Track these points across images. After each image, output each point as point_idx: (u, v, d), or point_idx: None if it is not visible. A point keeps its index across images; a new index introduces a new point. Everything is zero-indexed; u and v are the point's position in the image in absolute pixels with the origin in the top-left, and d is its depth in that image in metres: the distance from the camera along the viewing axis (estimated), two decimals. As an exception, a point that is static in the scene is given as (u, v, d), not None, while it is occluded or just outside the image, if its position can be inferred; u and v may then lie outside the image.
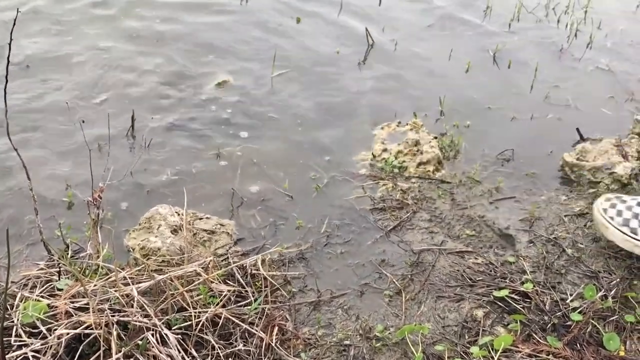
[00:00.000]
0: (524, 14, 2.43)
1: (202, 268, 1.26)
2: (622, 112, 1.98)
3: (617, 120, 1.94)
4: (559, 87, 2.07)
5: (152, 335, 1.13)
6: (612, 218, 1.44)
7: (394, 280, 1.41)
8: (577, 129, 1.86)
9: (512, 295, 1.37)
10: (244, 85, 1.97)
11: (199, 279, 1.25)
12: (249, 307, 1.26)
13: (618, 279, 1.43)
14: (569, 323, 1.31)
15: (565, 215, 1.61)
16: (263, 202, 1.59)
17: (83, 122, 1.69)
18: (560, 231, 1.56)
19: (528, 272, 1.43)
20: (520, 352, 1.25)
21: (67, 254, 1.39)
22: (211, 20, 2.28)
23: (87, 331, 1.12)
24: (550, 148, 1.82)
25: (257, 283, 1.34)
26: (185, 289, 1.21)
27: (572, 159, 1.73)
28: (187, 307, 1.19)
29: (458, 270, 1.44)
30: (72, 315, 1.14)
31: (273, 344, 1.21)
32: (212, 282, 1.26)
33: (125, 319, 1.14)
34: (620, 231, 1.43)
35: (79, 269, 1.32)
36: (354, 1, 2.44)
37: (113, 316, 1.13)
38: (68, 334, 1.11)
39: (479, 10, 2.44)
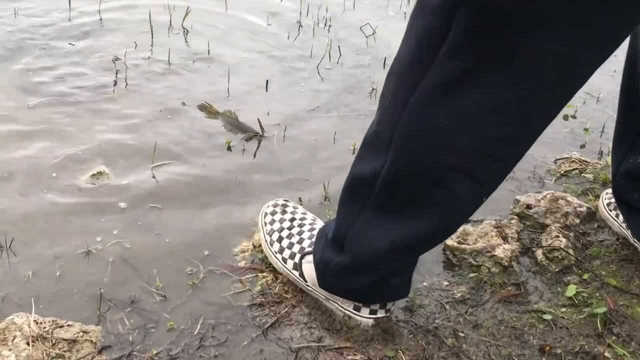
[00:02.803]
0: (409, 95, 2.46)
1: (52, 388, 1.16)
2: (502, 192, 1.99)
3: (498, 200, 1.95)
4: (442, 168, 2.08)
5: None
6: None
7: (270, 383, 1.34)
8: (459, 211, 1.86)
9: (391, 394, 1.32)
10: (120, 176, 1.89)
11: (50, 399, 1.15)
12: None
13: (498, 369, 1.40)
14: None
15: (446, 302, 1.58)
16: (133, 303, 1.50)
17: None
18: (441, 319, 1.53)
19: (407, 367, 1.39)
20: None
21: None
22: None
23: None
24: (433, 231, 1.81)
25: (119, 397, 1.25)
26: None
27: (453, 243, 1.72)
28: None
29: (336, 369, 1.39)
30: None
31: None
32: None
33: None
34: None
35: None
36: (240, 87, 2.42)
37: None
38: None
39: (364, 92, 2.46)
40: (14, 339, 1.33)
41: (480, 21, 1.07)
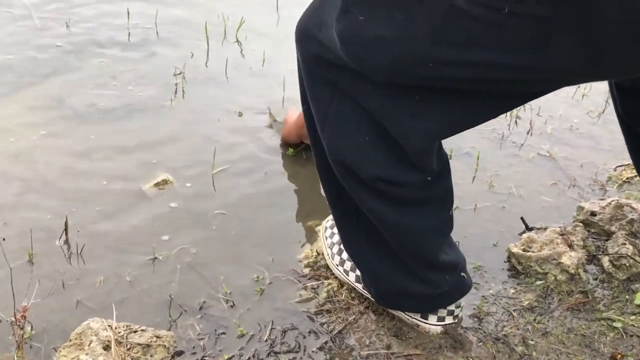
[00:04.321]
0: (464, 102, 2.46)
1: (134, 391, 1.18)
2: (565, 199, 1.98)
3: (560, 208, 1.94)
4: (500, 175, 2.07)
5: None
6: None
7: (341, 389, 1.35)
8: (522, 219, 1.85)
9: (464, 401, 1.32)
10: (184, 184, 1.92)
11: (131, 402, 1.17)
12: None
13: (571, 378, 1.39)
14: None
15: (514, 310, 1.57)
16: (202, 310, 1.52)
17: (4, 239, 1.62)
18: (509, 327, 1.52)
19: (479, 374, 1.38)
20: None
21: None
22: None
23: None
24: (495, 238, 1.80)
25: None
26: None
27: (518, 250, 1.71)
28: None
29: (407, 376, 1.39)
30: None
31: None
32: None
33: None
34: None
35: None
36: (296, 95, 2.43)
37: None
38: None
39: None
40: (90, 344, 1.36)
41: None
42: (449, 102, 1.17)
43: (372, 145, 1.24)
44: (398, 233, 1.36)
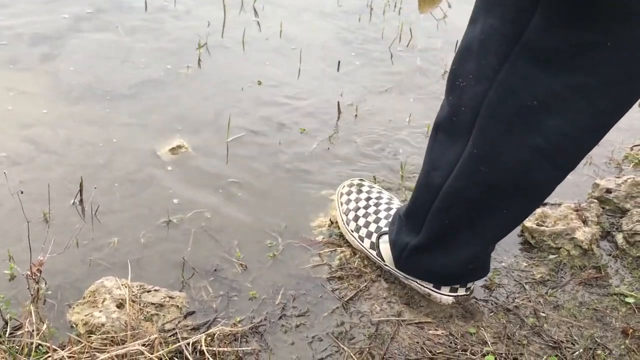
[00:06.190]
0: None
1: (146, 346, 1.19)
2: (580, 176, 1.97)
3: (575, 185, 1.93)
4: (517, 151, 2.06)
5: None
6: None
7: (352, 355, 1.35)
8: (536, 194, 1.84)
9: (474, 369, 1.32)
10: (198, 150, 1.92)
11: (144, 358, 1.18)
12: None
13: (581, 350, 1.39)
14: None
15: (526, 283, 1.57)
16: (215, 272, 1.53)
17: (22, 192, 1.62)
18: (521, 299, 1.52)
19: (489, 343, 1.39)
20: None
21: (5, 331, 1.31)
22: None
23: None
24: (509, 213, 1.80)
25: (206, 360, 1.28)
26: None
27: (531, 224, 1.70)
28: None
29: (417, 343, 1.39)
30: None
31: None
32: (157, 360, 1.19)
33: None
34: None
35: (16, 347, 1.25)
36: (312, 68, 2.43)
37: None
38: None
39: (437, 75, 2.45)
40: (103, 302, 1.37)
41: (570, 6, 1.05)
42: None
43: (546, 111, 1.14)
44: (511, 210, 1.32)
